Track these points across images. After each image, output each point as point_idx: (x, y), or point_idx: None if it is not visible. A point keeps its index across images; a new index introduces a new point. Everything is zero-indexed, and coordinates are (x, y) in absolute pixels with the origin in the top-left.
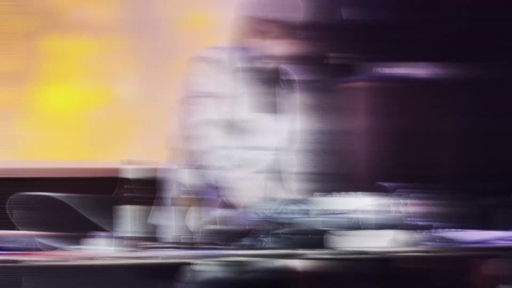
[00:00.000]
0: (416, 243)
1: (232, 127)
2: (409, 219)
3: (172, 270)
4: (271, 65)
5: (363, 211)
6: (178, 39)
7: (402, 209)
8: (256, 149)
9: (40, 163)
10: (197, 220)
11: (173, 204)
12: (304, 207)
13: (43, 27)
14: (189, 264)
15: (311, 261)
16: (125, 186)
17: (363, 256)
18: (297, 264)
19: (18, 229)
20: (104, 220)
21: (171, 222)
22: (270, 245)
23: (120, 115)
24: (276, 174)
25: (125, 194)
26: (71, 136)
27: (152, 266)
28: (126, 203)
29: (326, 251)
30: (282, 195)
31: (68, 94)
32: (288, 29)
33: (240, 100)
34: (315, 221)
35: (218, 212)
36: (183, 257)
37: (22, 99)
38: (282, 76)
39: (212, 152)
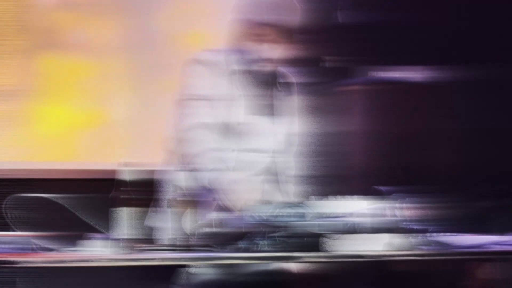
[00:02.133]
0: (412, 247)
1: (228, 129)
2: (405, 222)
3: (168, 272)
4: (268, 67)
5: (359, 215)
6: (175, 58)
7: (398, 212)
8: (252, 151)
9: (36, 164)
10: (193, 222)
11: (170, 206)
12: (300, 210)
13: (41, 45)
14: (185, 266)
15: (307, 264)
16: (121, 188)
17: (359, 259)
18: (293, 266)
19: (14, 230)
20: (100, 222)
21: (167, 224)
22: (266, 248)
23: (115, 132)
24: (273, 176)
25: (122, 196)
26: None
27: (148, 268)
28: (122, 205)
29: (321, 254)
30: (279, 197)
31: (63, 111)
32: (285, 32)
33: (237, 102)
34: (311, 224)
35: (214, 215)
36: (179, 259)
37: (18, 113)
38: (279, 78)
39: (206, 155)
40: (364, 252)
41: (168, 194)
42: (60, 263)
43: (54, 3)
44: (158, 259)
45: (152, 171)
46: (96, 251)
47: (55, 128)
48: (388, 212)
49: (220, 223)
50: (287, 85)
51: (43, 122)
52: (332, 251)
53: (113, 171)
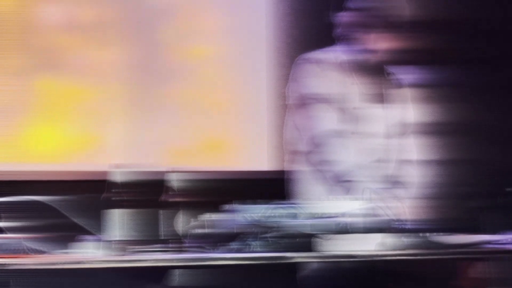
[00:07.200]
0: (404, 247)
1: (345, 114)
2: (397, 222)
3: (160, 274)
4: (377, 58)
5: (351, 215)
6: (177, 81)
7: (390, 212)
8: (367, 136)
9: (28, 166)
10: (185, 223)
11: (162, 207)
12: (292, 210)
13: (41, 65)
14: (177, 267)
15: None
16: (113, 189)
17: (351, 259)
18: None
19: (5, 233)
20: (92, 224)
21: (160, 225)
22: (258, 249)
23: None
24: (387, 162)
25: (114, 198)
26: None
27: (140, 270)
28: (114, 207)
29: (314, 254)
30: (391, 182)
31: (57, 133)
32: (394, 24)
33: (351, 89)
34: (303, 224)
35: (206, 216)
36: (171, 260)
37: (14, 131)
38: (388, 69)
39: (330, 144)
40: (357, 252)
41: (160, 194)
42: (52, 265)
43: (55, 25)
44: (151, 261)
45: (144, 173)
46: (88, 253)
47: (49, 147)
48: (380, 212)
49: (212, 224)
50: (396, 76)
51: (38, 141)
52: (324, 251)
53: (105, 173)
